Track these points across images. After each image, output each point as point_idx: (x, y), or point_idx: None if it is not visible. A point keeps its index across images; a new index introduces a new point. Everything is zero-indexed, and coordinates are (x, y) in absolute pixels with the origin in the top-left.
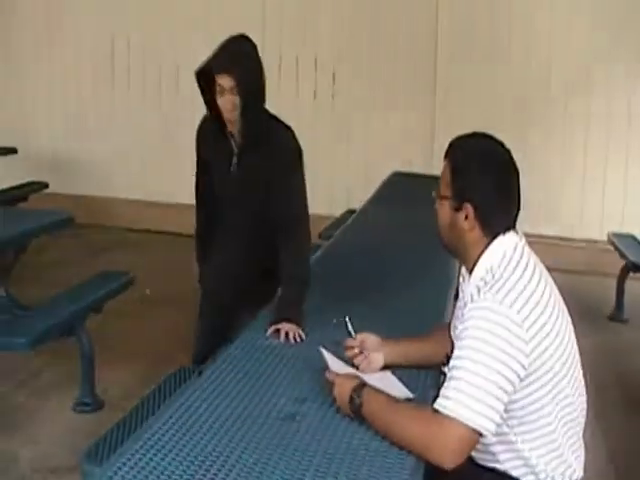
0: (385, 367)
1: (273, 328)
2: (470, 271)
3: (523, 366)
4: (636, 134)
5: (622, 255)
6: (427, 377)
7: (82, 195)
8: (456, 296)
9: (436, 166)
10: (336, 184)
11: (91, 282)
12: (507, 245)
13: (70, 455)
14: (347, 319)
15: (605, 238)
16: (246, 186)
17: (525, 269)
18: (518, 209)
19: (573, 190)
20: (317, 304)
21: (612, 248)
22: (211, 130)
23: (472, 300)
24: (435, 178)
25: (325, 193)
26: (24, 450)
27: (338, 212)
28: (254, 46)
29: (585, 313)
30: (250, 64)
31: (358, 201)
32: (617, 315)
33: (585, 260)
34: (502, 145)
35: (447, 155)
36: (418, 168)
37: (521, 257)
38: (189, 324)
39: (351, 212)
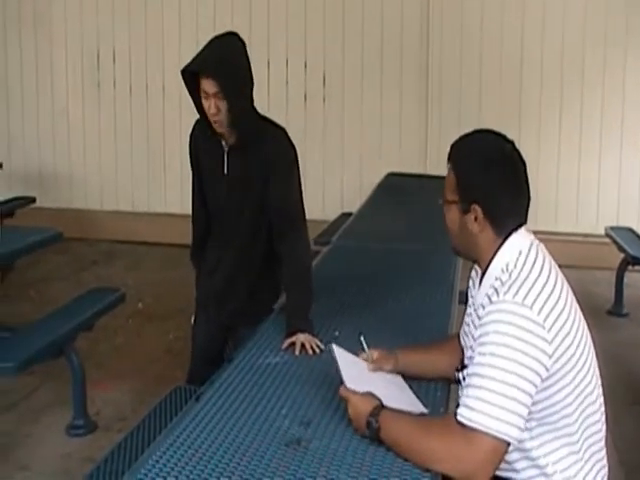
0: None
1: (288, 341)
2: (484, 272)
3: (546, 367)
4: (629, 130)
5: (621, 248)
6: (437, 389)
7: (69, 209)
8: (465, 300)
9: (430, 166)
10: (329, 188)
11: (81, 300)
12: (522, 243)
13: None
14: (362, 337)
15: (602, 232)
16: (240, 185)
17: (542, 268)
18: (528, 201)
19: (569, 184)
20: (319, 313)
21: (609, 242)
22: (202, 132)
23: (490, 301)
24: (430, 177)
25: (318, 197)
26: (15, 477)
27: (332, 216)
28: (241, 45)
29: (584, 308)
30: (235, 66)
31: (352, 204)
32: (616, 309)
33: (582, 254)
34: (504, 138)
35: (449, 158)
36: (412, 168)
37: (537, 255)
38: (183, 339)
39: (346, 216)
